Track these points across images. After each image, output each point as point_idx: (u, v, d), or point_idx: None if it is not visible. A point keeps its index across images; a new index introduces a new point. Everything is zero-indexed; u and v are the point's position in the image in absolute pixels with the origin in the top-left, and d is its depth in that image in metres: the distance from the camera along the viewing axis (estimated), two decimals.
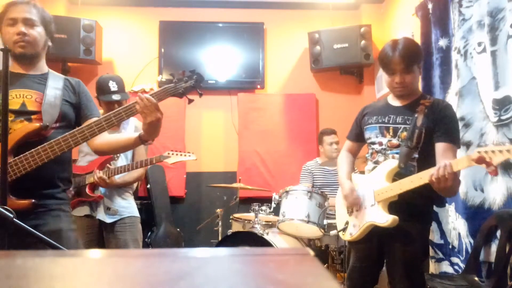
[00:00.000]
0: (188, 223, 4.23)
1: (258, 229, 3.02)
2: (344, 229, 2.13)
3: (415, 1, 3.40)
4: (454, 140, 1.94)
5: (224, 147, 4.46)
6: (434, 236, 3.00)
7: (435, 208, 2.98)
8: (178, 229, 4.11)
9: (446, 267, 2.88)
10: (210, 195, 4.34)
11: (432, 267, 3.00)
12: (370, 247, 2.06)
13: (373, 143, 2.07)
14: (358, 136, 2.22)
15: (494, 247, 2.35)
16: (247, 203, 3.68)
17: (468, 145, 2.54)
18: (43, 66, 1.80)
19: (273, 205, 3.32)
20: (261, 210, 3.23)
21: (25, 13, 1.68)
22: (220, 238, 3.45)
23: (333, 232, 2.24)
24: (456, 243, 2.78)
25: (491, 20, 2.37)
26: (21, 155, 1.57)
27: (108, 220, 2.54)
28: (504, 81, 2.28)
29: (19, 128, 1.62)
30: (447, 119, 1.95)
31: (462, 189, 2.61)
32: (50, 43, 1.80)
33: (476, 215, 2.51)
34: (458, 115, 2.64)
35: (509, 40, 2.24)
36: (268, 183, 4.23)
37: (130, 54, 4.44)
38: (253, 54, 4.48)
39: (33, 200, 1.58)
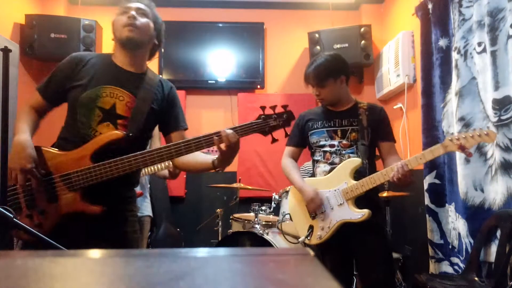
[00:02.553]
0: (188, 223, 4.22)
1: (258, 229, 3.02)
2: (309, 235, 2.17)
3: (415, 1, 3.40)
4: (393, 138, 2.24)
5: None
6: (434, 236, 3.00)
7: (435, 208, 3.00)
8: (178, 229, 4.11)
9: (446, 267, 2.88)
10: (210, 195, 4.34)
11: (432, 267, 3.00)
12: (343, 244, 2.13)
13: (323, 146, 2.21)
14: (299, 142, 2.35)
15: (494, 247, 2.35)
16: (247, 203, 3.68)
17: None
18: (143, 65, 1.80)
19: (273, 205, 3.32)
20: (261, 210, 3.23)
21: (139, 4, 1.74)
22: (220, 238, 3.45)
23: (300, 240, 2.25)
24: (456, 243, 2.77)
25: (491, 20, 2.37)
26: (98, 164, 1.58)
27: None
28: (504, 81, 2.28)
29: (104, 135, 1.63)
30: (386, 120, 2.24)
31: (462, 189, 2.61)
32: (157, 42, 1.84)
33: (476, 215, 2.51)
34: (458, 115, 2.65)
35: (509, 40, 2.24)
36: (268, 183, 4.23)
37: None
38: (253, 54, 4.48)
39: (103, 207, 1.60)
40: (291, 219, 2.46)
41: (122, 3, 1.75)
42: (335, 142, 2.18)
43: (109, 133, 1.64)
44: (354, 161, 2.09)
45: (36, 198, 1.58)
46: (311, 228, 2.17)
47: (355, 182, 2.05)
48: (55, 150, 1.63)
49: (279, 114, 1.67)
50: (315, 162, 2.27)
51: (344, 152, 2.15)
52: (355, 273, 2.29)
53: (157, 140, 2.73)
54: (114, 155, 1.59)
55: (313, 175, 2.30)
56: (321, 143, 2.21)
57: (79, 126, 1.65)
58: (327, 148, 2.19)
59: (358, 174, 2.08)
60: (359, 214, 2.03)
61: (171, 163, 2.54)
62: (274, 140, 1.66)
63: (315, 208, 2.13)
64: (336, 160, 2.16)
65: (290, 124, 1.67)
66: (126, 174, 1.60)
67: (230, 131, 1.59)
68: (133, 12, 1.71)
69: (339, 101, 2.24)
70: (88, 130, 1.64)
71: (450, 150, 1.86)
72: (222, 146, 1.59)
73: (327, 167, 2.18)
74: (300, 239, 2.27)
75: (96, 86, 1.67)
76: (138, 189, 2.69)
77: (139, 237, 1.80)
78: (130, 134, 1.66)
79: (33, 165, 1.55)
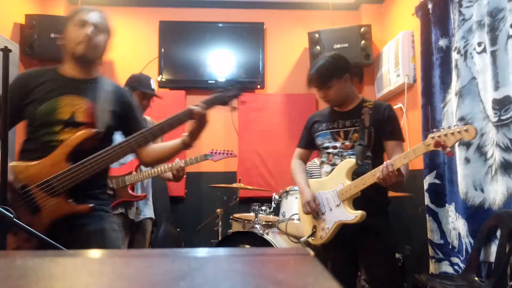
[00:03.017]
0: (188, 223, 4.22)
1: (258, 229, 3.02)
2: (312, 234, 2.18)
3: (415, 1, 3.40)
4: (400, 137, 2.16)
5: (224, 147, 4.44)
6: (434, 236, 3.00)
7: (435, 208, 3.00)
8: (178, 229, 4.11)
9: (446, 267, 2.88)
10: (210, 195, 4.34)
11: (432, 267, 3.00)
12: (347, 245, 2.14)
13: (327, 148, 2.21)
14: (308, 144, 2.37)
15: (494, 247, 2.35)
16: (247, 203, 3.68)
17: (468, 145, 2.54)
18: (93, 72, 1.81)
19: (273, 205, 3.32)
20: (261, 210, 3.23)
21: (96, 19, 1.72)
22: (220, 238, 3.45)
23: (303, 239, 2.27)
24: (456, 243, 2.77)
25: (491, 20, 2.37)
26: (76, 164, 1.59)
27: (136, 220, 2.70)
28: (504, 81, 2.28)
29: (74, 136, 1.62)
30: (391, 118, 2.15)
31: (462, 189, 2.61)
32: (106, 52, 1.83)
33: (476, 215, 2.51)
34: (458, 115, 2.64)
35: (509, 40, 2.23)
36: (268, 183, 4.23)
37: (130, 54, 4.43)
38: (253, 54, 4.48)
39: (91, 205, 1.62)
40: (299, 219, 2.48)
41: (79, 13, 1.71)
42: (338, 144, 2.17)
43: (80, 133, 1.63)
44: (349, 162, 2.08)
45: (18, 213, 1.57)
46: (314, 228, 2.18)
47: (349, 183, 2.05)
48: (24, 163, 1.61)
49: (232, 86, 1.88)
50: (321, 163, 2.29)
51: (345, 153, 2.14)
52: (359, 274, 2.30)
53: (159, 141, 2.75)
54: (88, 156, 1.60)
55: (320, 176, 2.31)
56: (325, 145, 2.21)
57: (41, 137, 1.64)
58: (331, 150, 2.19)
59: (357, 175, 2.05)
60: (353, 216, 2.02)
61: (175, 165, 2.55)
62: (233, 108, 1.86)
63: (309, 211, 2.16)
64: (338, 161, 2.16)
65: (241, 93, 1.90)
66: (95, 176, 1.63)
67: (198, 107, 1.68)
68: (91, 30, 1.69)
69: (345, 100, 2.21)
70: (52, 139, 1.64)
71: (432, 149, 1.81)
72: (193, 122, 1.69)
73: (329, 168, 2.19)
74: (302, 239, 2.28)
75: (51, 98, 1.66)
76: (140, 192, 2.70)
77: (119, 237, 1.80)
78: (102, 130, 1.67)
79: (12, 177, 1.53)
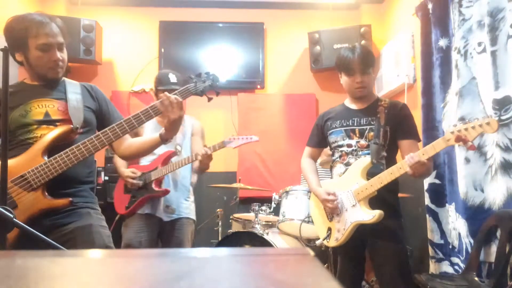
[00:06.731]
0: None
1: (258, 229, 3.02)
2: (328, 236, 2.16)
3: (415, 1, 3.40)
4: (416, 136, 2.15)
5: None
6: (434, 236, 3.00)
7: (435, 208, 3.00)
8: None
9: (446, 267, 2.88)
10: (210, 195, 4.33)
11: (432, 267, 3.00)
12: (357, 246, 2.12)
13: (341, 146, 2.16)
14: (319, 142, 2.32)
15: (494, 247, 2.35)
16: (247, 203, 3.68)
17: None
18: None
19: (273, 205, 3.32)
20: (261, 210, 3.23)
21: (57, 37, 1.68)
22: (220, 238, 3.45)
23: (318, 242, 2.25)
24: (456, 243, 2.77)
25: (491, 20, 2.37)
26: (52, 157, 1.58)
27: (166, 218, 2.60)
28: (504, 81, 2.28)
29: (51, 131, 1.63)
30: (407, 118, 2.15)
31: (462, 189, 2.61)
32: None
33: (476, 215, 2.51)
34: (458, 115, 2.64)
35: (509, 40, 2.23)
36: (268, 183, 4.23)
37: (130, 54, 4.43)
38: (253, 54, 4.48)
39: (70, 198, 1.61)
40: (312, 221, 2.44)
41: (38, 32, 1.66)
42: (353, 142, 2.13)
43: (57, 128, 1.64)
44: (364, 161, 2.05)
45: None
46: (329, 230, 2.15)
47: (365, 182, 2.01)
48: None
49: (207, 76, 1.77)
50: (333, 162, 2.25)
51: (360, 152, 2.10)
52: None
53: (200, 140, 2.75)
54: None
55: (331, 176, 2.28)
56: (339, 143, 2.17)
57: (17, 137, 1.64)
58: (345, 148, 2.14)
59: (372, 176, 2.01)
60: (371, 215, 1.98)
61: (200, 153, 2.45)
62: (209, 99, 1.79)
63: (332, 208, 2.10)
64: (352, 160, 2.11)
65: (217, 84, 1.80)
66: (76, 173, 1.63)
67: (172, 94, 1.64)
68: (58, 55, 1.68)
69: (369, 94, 2.19)
70: (29, 136, 1.64)
71: (452, 144, 1.78)
72: (169, 110, 1.63)
73: (342, 168, 2.14)
74: (318, 242, 2.26)
75: (21, 104, 1.67)
76: (165, 187, 2.63)
77: (108, 233, 1.77)
78: (77, 126, 1.67)
79: None
